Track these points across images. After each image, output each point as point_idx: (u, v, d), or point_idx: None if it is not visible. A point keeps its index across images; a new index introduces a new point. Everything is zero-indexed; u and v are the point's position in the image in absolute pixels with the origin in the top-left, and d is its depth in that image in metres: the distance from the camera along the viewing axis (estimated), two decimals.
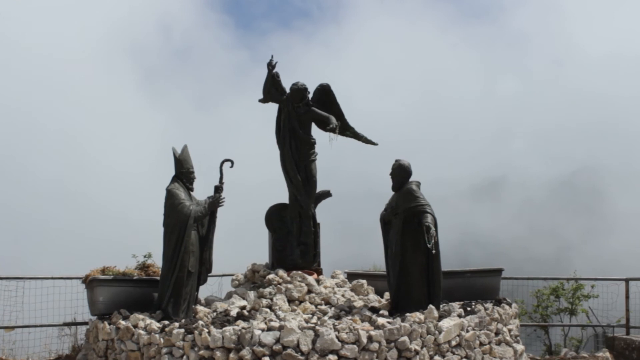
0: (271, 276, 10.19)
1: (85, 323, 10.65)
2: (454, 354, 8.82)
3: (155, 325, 8.83)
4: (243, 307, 9.68)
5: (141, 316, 9.12)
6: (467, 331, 9.06)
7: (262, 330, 8.34)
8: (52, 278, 10.91)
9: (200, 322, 8.69)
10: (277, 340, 8.17)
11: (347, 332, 8.24)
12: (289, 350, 8.06)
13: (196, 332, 8.43)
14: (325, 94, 10.78)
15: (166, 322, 8.95)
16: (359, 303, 9.96)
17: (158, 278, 9.74)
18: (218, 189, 9.91)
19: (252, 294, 9.99)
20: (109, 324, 9.27)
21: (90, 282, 9.87)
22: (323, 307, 9.81)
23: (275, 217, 10.84)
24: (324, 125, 10.59)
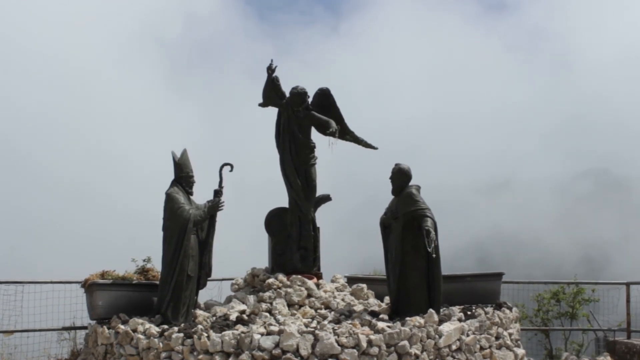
0: (271, 280, 10.17)
1: (85, 327, 10.62)
2: (454, 358, 8.79)
3: (155, 329, 8.81)
4: (242, 312, 9.66)
5: (140, 320, 9.10)
6: (468, 335, 9.04)
7: (262, 334, 8.33)
8: (52, 282, 10.89)
9: (200, 327, 8.68)
10: (277, 345, 8.16)
11: (346, 337, 8.21)
12: (288, 355, 8.04)
13: (195, 336, 8.41)
14: (324, 98, 10.77)
15: (165, 326, 8.93)
16: (358, 307, 9.93)
17: (157, 282, 9.72)
18: (217, 193, 9.91)
19: (251, 298, 9.97)
20: (108, 329, 9.25)
21: (89, 287, 9.85)
22: (323, 311, 9.79)
23: (275, 221, 10.82)
24: (324, 130, 10.58)
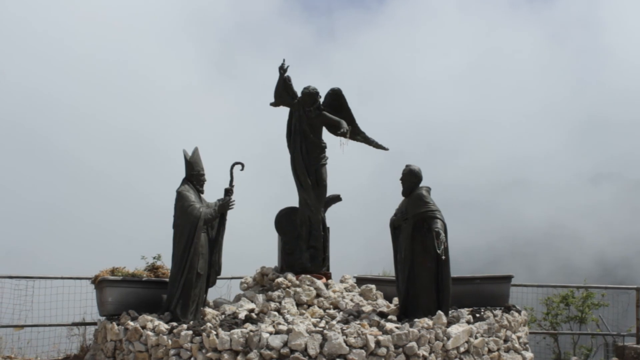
0: (280, 279, 10.19)
1: (94, 323, 10.68)
2: None
3: (164, 326, 8.85)
4: (251, 310, 9.69)
5: (149, 317, 9.14)
6: (476, 338, 9.03)
7: (270, 333, 8.34)
8: (62, 278, 10.96)
9: (209, 324, 8.71)
10: (285, 344, 8.17)
11: (355, 337, 8.23)
12: (296, 354, 8.06)
13: (204, 334, 8.44)
14: (336, 98, 10.79)
15: (174, 323, 8.97)
16: (367, 308, 9.94)
17: (167, 279, 9.77)
18: (228, 192, 9.95)
19: (260, 297, 9.99)
20: (118, 325, 9.29)
21: (99, 283, 9.91)
22: (331, 311, 9.80)
23: (285, 220, 10.85)
24: (335, 130, 10.60)
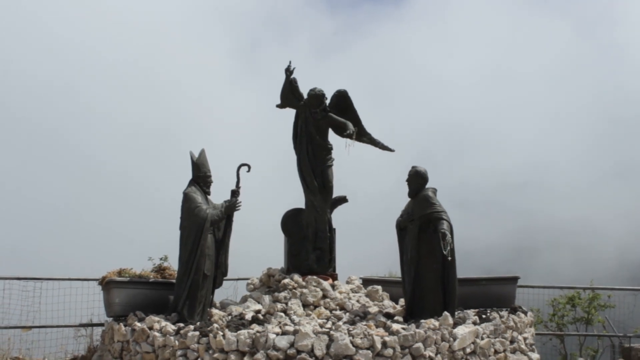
0: (286, 281, 10.21)
1: (101, 324, 10.72)
2: None
3: (171, 327, 8.89)
4: (258, 311, 9.71)
5: (156, 318, 9.18)
6: (482, 339, 9.04)
7: (277, 334, 8.37)
8: (69, 279, 11.01)
9: (215, 325, 8.74)
10: (292, 345, 8.20)
11: (361, 338, 8.24)
12: (303, 355, 8.08)
13: (211, 335, 8.47)
14: (342, 99, 10.81)
15: (181, 324, 9.00)
16: (373, 309, 9.96)
17: (174, 281, 9.81)
18: (235, 193, 9.98)
19: (267, 298, 10.02)
20: (125, 326, 9.33)
21: (106, 284, 9.95)
22: (338, 312, 9.82)
23: (291, 222, 10.87)
24: (341, 131, 10.62)
